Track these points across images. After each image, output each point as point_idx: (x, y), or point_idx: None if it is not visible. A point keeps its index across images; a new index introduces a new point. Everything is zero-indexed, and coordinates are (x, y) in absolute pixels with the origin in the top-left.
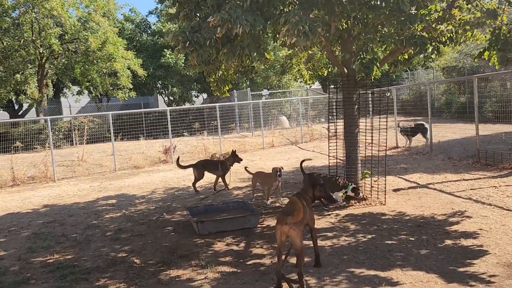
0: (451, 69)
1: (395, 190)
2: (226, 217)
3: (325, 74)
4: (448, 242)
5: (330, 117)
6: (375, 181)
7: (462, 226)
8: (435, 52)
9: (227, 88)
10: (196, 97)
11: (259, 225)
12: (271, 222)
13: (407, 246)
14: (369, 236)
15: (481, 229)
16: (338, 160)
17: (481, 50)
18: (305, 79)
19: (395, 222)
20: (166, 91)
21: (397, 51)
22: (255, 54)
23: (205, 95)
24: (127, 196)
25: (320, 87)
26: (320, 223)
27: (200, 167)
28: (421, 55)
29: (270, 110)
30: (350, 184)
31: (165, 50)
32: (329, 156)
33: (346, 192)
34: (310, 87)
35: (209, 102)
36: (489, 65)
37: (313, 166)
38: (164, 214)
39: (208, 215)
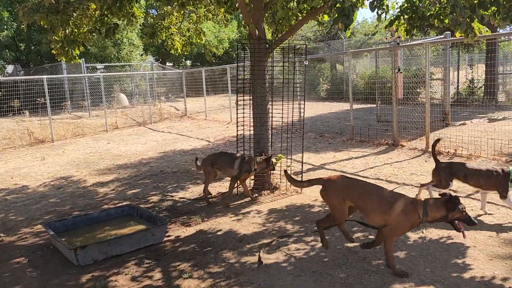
0: (285, 50)
1: (295, 174)
2: (121, 236)
3: (202, 42)
4: (414, 236)
5: (239, 87)
6: (288, 166)
7: None
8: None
9: (77, 52)
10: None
11: (165, 238)
12: (179, 231)
13: (376, 248)
14: None
15: None
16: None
17: (392, 18)
18: (176, 47)
19: None
20: None
21: None
22: None
23: (11, 66)
24: None
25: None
26: (246, 225)
27: (208, 164)
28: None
29: (112, 86)
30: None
31: None
32: (237, 131)
33: None
34: (184, 60)
35: (24, 74)
36: (319, 48)
37: (182, 150)
38: (1, 235)
39: (81, 231)
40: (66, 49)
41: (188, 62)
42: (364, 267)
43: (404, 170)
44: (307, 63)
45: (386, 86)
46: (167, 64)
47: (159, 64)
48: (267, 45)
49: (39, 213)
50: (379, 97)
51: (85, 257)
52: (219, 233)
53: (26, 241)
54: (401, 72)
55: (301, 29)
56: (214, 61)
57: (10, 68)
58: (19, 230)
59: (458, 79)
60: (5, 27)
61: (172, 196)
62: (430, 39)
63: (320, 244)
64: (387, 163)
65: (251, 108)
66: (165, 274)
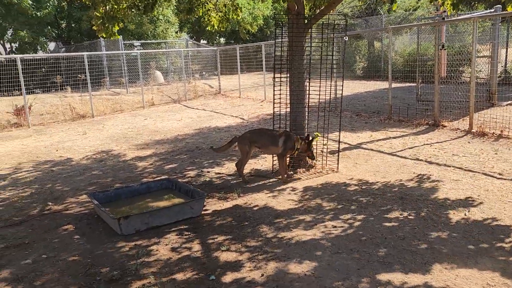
0: (325, 26)
1: (331, 153)
2: (160, 208)
3: (239, 18)
4: (455, 217)
5: (276, 64)
6: (324, 145)
7: (447, 194)
8: None
9: (117, 28)
10: (45, 45)
11: (203, 212)
12: (216, 205)
13: (416, 229)
14: (359, 218)
15: (470, 197)
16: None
17: None
18: (212, 23)
19: (369, 194)
20: (6, 36)
21: None
22: None
23: (52, 44)
24: None
25: (191, 40)
26: (281, 201)
27: (246, 143)
28: None
29: (148, 63)
30: None
31: None
32: (273, 108)
33: None
34: (218, 37)
35: (65, 51)
36: (357, 25)
37: (216, 127)
38: (50, 204)
39: (123, 202)
40: (106, 25)
41: (222, 40)
42: (403, 246)
43: (445, 151)
44: (346, 39)
45: (427, 64)
46: (202, 41)
47: (194, 41)
48: (306, 20)
49: (83, 184)
50: (419, 76)
51: (128, 227)
52: (255, 208)
53: (72, 210)
54: (445, 49)
55: (340, 5)
56: (248, 38)
57: (52, 45)
58: (65, 200)
59: (506, 57)
60: (47, 5)
61: (208, 172)
62: (479, 13)
63: (358, 223)
64: (427, 144)
65: (288, 85)
66: (204, 246)
